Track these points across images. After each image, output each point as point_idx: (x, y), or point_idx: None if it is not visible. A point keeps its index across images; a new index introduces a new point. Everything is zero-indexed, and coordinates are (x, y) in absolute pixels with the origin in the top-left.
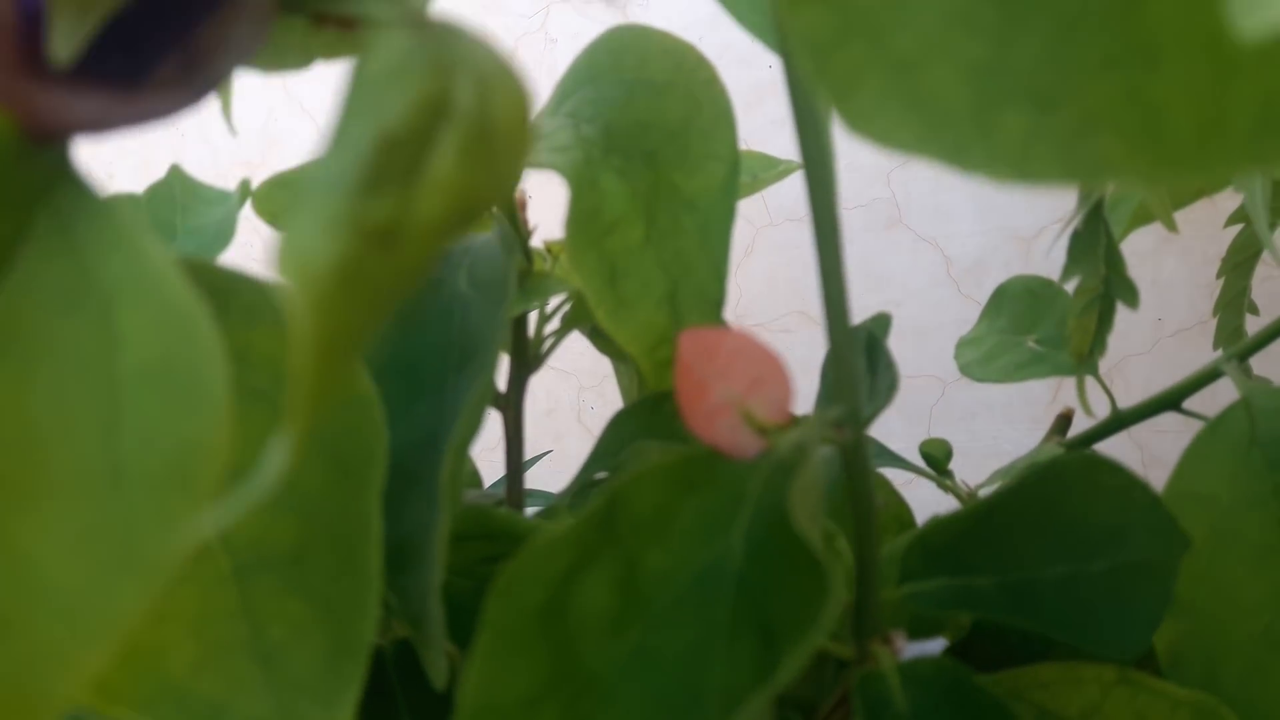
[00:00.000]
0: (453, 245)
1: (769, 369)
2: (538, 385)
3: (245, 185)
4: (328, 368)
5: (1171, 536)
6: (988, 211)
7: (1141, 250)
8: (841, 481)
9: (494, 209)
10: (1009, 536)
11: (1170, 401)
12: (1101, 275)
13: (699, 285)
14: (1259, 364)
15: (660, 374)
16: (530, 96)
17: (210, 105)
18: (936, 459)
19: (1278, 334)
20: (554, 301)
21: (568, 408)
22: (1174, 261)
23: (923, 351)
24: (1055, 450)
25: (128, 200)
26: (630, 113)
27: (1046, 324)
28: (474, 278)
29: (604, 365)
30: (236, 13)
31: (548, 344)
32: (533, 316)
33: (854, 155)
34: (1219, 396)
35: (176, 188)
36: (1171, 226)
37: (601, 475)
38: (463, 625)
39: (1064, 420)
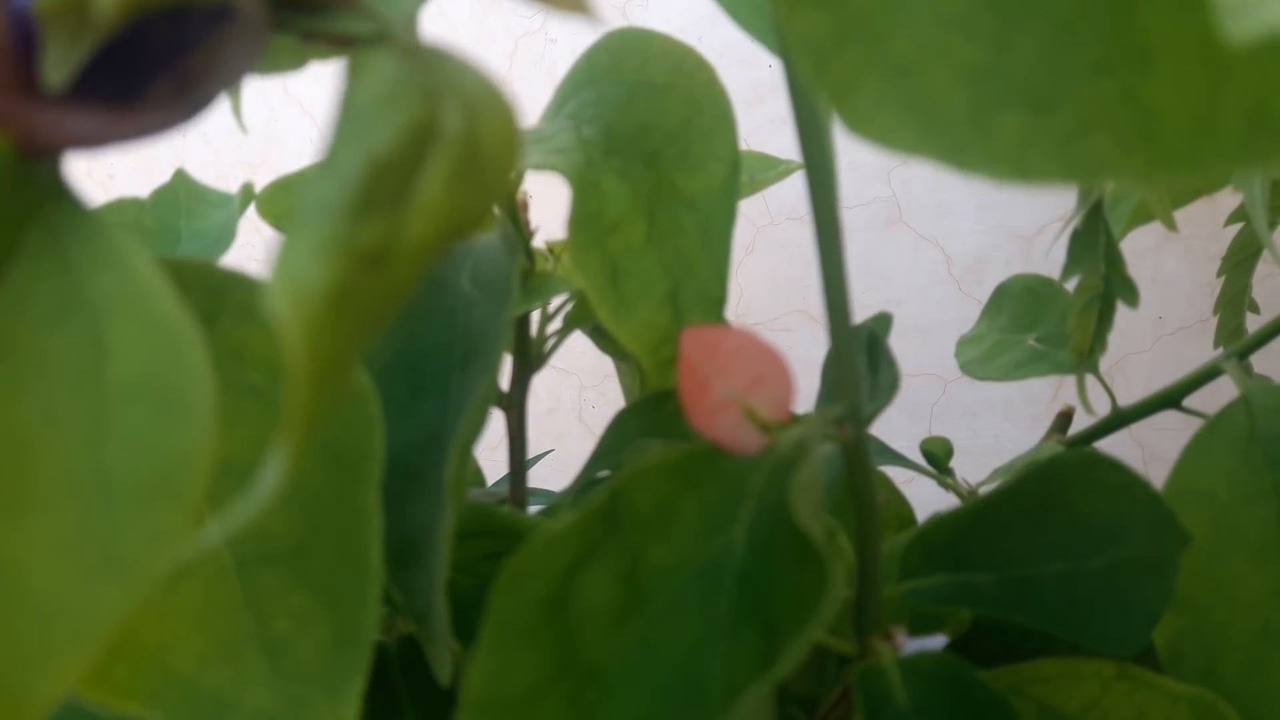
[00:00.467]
0: (453, 249)
1: (770, 367)
2: (539, 384)
3: (248, 189)
4: (321, 386)
5: (1171, 533)
6: (988, 210)
7: (1142, 248)
8: (843, 479)
9: (496, 210)
10: (1009, 533)
11: (1170, 399)
12: (1101, 274)
13: (700, 285)
14: (1259, 362)
15: (662, 373)
16: (517, 119)
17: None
18: (937, 457)
19: (1278, 332)
20: (556, 301)
21: (569, 407)
22: (1174, 260)
23: (923, 350)
24: (1056, 448)
25: (131, 205)
26: (631, 114)
27: (1047, 322)
28: (477, 278)
29: (605, 364)
30: (230, 34)
31: (550, 343)
32: (535, 316)
33: (854, 154)
34: (1219, 394)
35: (181, 191)
36: (1171, 225)
37: (604, 474)
38: (466, 622)
39: (1064, 418)
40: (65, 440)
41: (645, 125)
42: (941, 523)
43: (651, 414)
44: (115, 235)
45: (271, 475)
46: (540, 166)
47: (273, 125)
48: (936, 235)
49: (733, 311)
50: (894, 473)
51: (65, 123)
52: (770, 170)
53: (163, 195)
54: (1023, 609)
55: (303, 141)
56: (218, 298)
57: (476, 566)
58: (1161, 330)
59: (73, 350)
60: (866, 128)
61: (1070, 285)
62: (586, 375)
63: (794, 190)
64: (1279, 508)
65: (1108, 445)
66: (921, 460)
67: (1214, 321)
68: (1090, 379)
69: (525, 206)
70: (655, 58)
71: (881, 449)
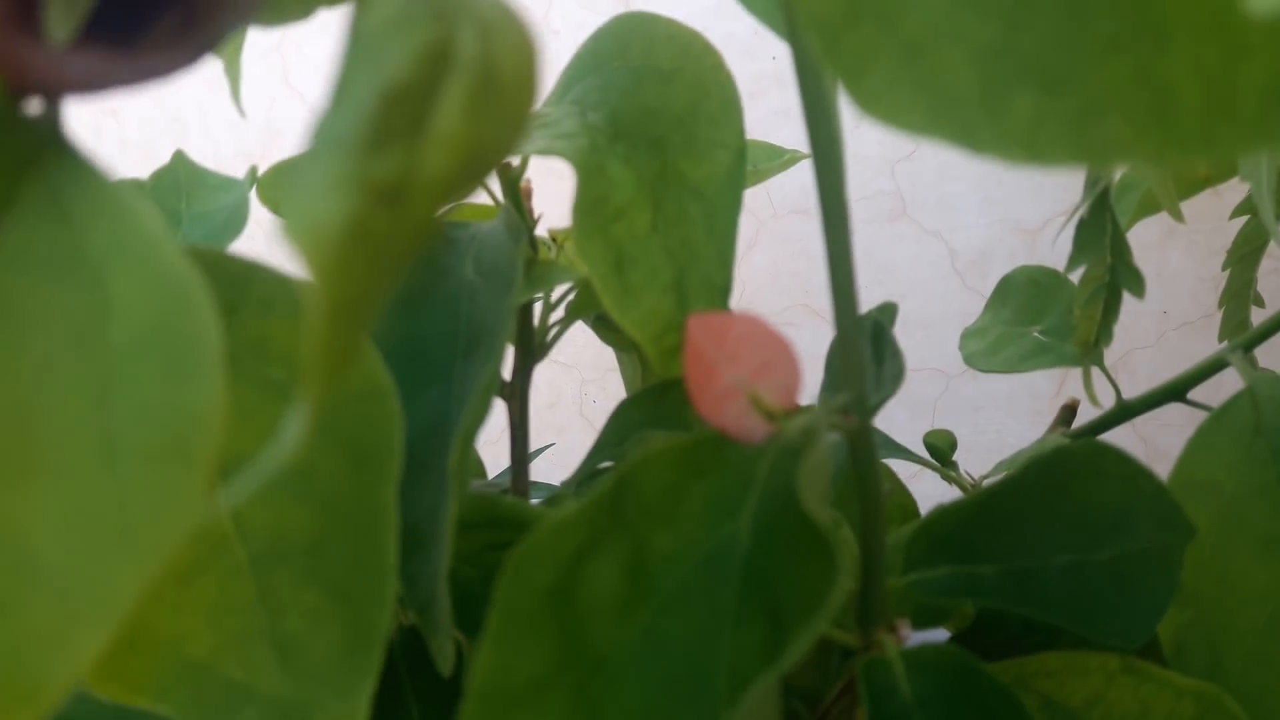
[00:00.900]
0: (459, 231)
1: (777, 353)
2: (540, 378)
3: (254, 171)
4: (340, 331)
5: (1177, 525)
6: (993, 203)
7: (1146, 243)
8: (846, 470)
9: (500, 197)
10: (1014, 525)
11: (1175, 392)
12: (1107, 264)
13: (705, 273)
14: (1264, 355)
15: (666, 362)
16: (536, 42)
17: (213, 96)
18: (941, 450)
19: None
20: (558, 291)
21: (570, 401)
22: (1179, 254)
23: (927, 344)
24: (1061, 440)
25: (130, 185)
26: (637, 99)
27: (1052, 315)
28: (480, 265)
29: (607, 358)
30: None
31: (553, 333)
32: (537, 306)
33: (858, 147)
34: (1224, 388)
35: (181, 174)
36: (1178, 216)
37: (606, 465)
38: (469, 613)
39: (1069, 411)
40: (69, 402)
41: (651, 110)
42: (946, 514)
43: (654, 405)
44: (117, 187)
45: (288, 440)
46: (544, 152)
47: (273, 117)
48: (941, 229)
49: (735, 306)
50: (897, 468)
51: (65, 63)
52: (774, 160)
53: (162, 178)
54: (1027, 601)
55: (300, 131)
56: (239, 289)
57: (480, 557)
58: (1166, 325)
59: (74, 306)
60: (877, 108)
61: (1076, 276)
62: (588, 369)
63: (798, 184)
64: None
65: (1112, 440)
66: (925, 455)
67: (1219, 316)
68: (1095, 372)
69: (528, 194)
70: (662, 43)
71: (885, 441)
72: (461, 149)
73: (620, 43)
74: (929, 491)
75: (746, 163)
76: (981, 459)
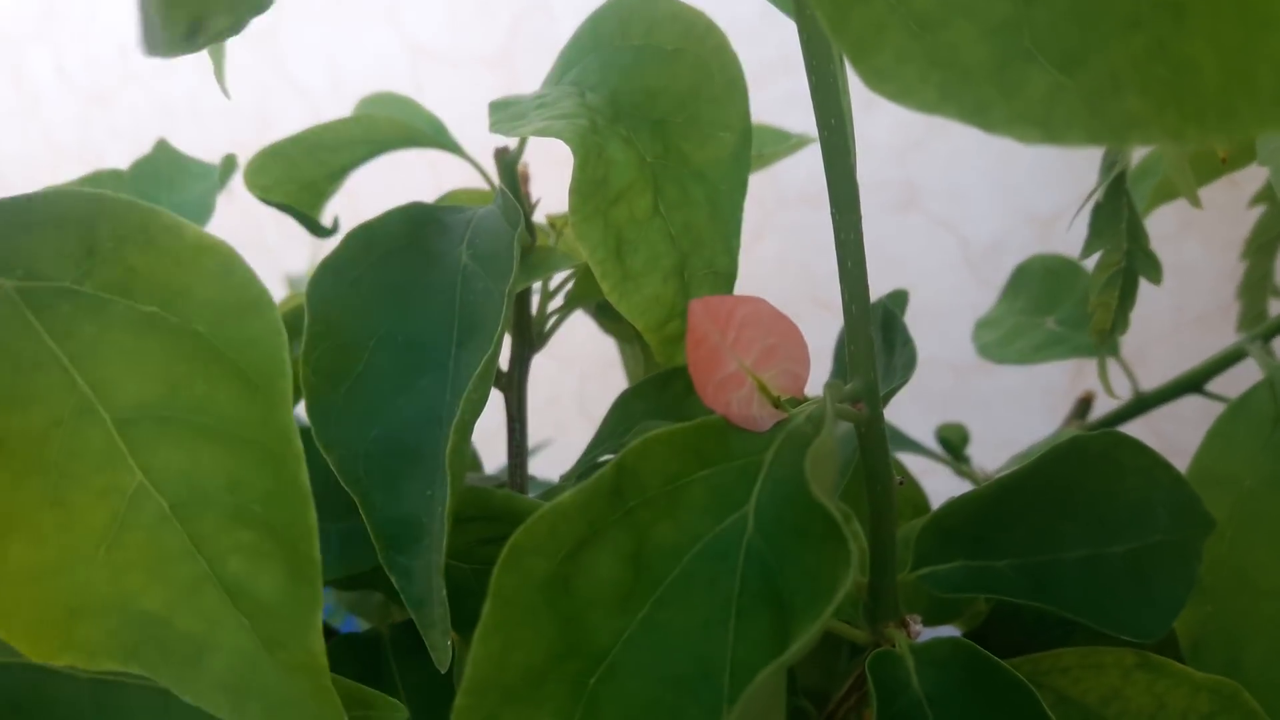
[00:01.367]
0: (454, 215)
1: (784, 336)
2: (538, 373)
3: (229, 159)
4: None
5: (1195, 517)
6: (1005, 193)
7: (1162, 234)
8: (856, 463)
9: (496, 180)
10: (1028, 517)
11: (1192, 383)
12: (1124, 249)
13: (709, 258)
14: None
15: (669, 350)
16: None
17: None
18: (953, 444)
19: None
20: (557, 279)
21: (570, 397)
22: (1195, 246)
23: (937, 338)
24: (1076, 432)
25: (109, 177)
26: (638, 80)
27: (1067, 305)
28: (476, 250)
29: (607, 353)
30: None
31: (551, 322)
32: (536, 295)
33: (867, 134)
34: (1240, 381)
35: (162, 162)
36: (1196, 202)
37: (607, 457)
38: (463, 610)
39: (1084, 404)
40: None
41: (653, 91)
42: (958, 506)
43: (656, 395)
44: None
45: None
46: (542, 132)
47: (265, 104)
48: (951, 219)
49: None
50: (908, 465)
51: None
52: (780, 145)
53: (143, 167)
54: (1043, 596)
55: (295, 121)
56: (89, 227)
57: (473, 552)
58: (1182, 319)
59: None
60: (886, 86)
61: (1090, 264)
62: (588, 364)
63: (804, 173)
64: None
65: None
66: (936, 450)
67: (1236, 310)
68: (1111, 365)
69: (526, 178)
70: (663, 22)
71: (895, 435)
72: None
73: (621, 22)
74: (941, 489)
75: (752, 145)
76: (994, 455)
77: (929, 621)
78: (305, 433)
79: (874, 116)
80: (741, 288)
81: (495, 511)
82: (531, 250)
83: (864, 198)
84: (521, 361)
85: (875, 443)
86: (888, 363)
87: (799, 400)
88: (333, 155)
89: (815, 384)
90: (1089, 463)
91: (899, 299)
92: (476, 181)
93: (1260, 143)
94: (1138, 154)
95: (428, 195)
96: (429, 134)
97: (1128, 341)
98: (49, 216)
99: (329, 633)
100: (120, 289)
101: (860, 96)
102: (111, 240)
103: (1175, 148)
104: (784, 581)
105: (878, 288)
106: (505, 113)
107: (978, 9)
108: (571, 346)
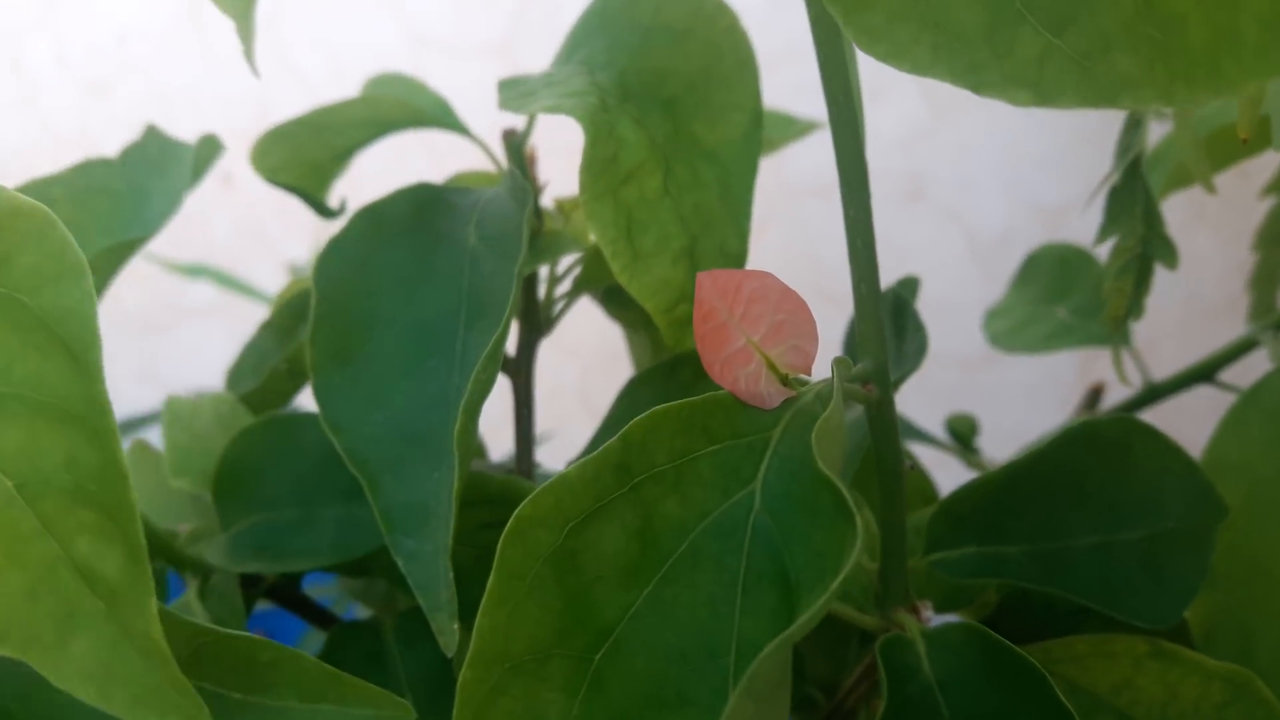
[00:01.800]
0: (461, 196)
1: (793, 311)
2: (541, 366)
3: (209, 140)
4: None
5: (1209, 504)
6: (1014, 184)
7: (1173, 226)
8: (865, 451)
9: (503, 161)
10: (1040, 503)
11: (1204, 373)
12: (1139, 235)
13: (720, 240)
14: None
15: (678, 333)
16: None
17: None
18: (962, 434)
19: None
20: (564, 265)
21: (573, 390)
22: (1206, 239)
23: (946, 330)
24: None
25: (99, 166)
26: (647, 60)
27: (1078, 294)
28: (483, 231)
29: (611, 345)
30: None
31: (559, 306)
32: (543, 281)
33: (874, 124)
34: (1252, 372)
35: (153, 149)
36: (1210, 186)
37: None
38: (464, 596)
39: (1094, 394)
40: None
41: (663, 71)
42: (969, 492)
43: (663, 382)
44: None
45: None
46: (552, 109)
47: (265, 93)
48: (959, 211)
49: None
50: (918, 457)
51: None
52: (787, 130)
53: (133, 153)
54: (1054, 581)
55: (295, 110)
56: None
57: (475, 537)
58: (1192, 311)
59: None
60: (878, 46)
61: (1102, 253)
62: (591, 356)
63: (811, 163)
64: None
65: None
66: (945, 440)
67: (1246, 302)
68: (1124, 355)
69: (533, 161)
70: (672, 2)
71: (904, 424)
72: None
73: (629, 2)
74: (951, 483)
75: (763, 127)
76: (1002, 448)
77: (939, 611)
78: (313, 415)
79: (881, 108)
80: None
81: (494, 495)
82: (539, 234)
83: (871, 188)
84: (529, 347)
85: (885, 425)
86: (898, 349)
87: (806, 379)
88: (338, 136)
89: (822, 373)
90: (1101, 448)
91: (910, 285)
92: (479, 165)
93: (1276, 129)
94: (1151, 141)
95: (428, 179)
96: (434, 114)
97: (1138, 334)
98: None
99: (329, 619)
100: None
101: (868, 87)
102: None
103: (1163, 106)
104: (790, 558)
105: (884, 279)
106: (514, 90)
107: None
108: (574, 338)
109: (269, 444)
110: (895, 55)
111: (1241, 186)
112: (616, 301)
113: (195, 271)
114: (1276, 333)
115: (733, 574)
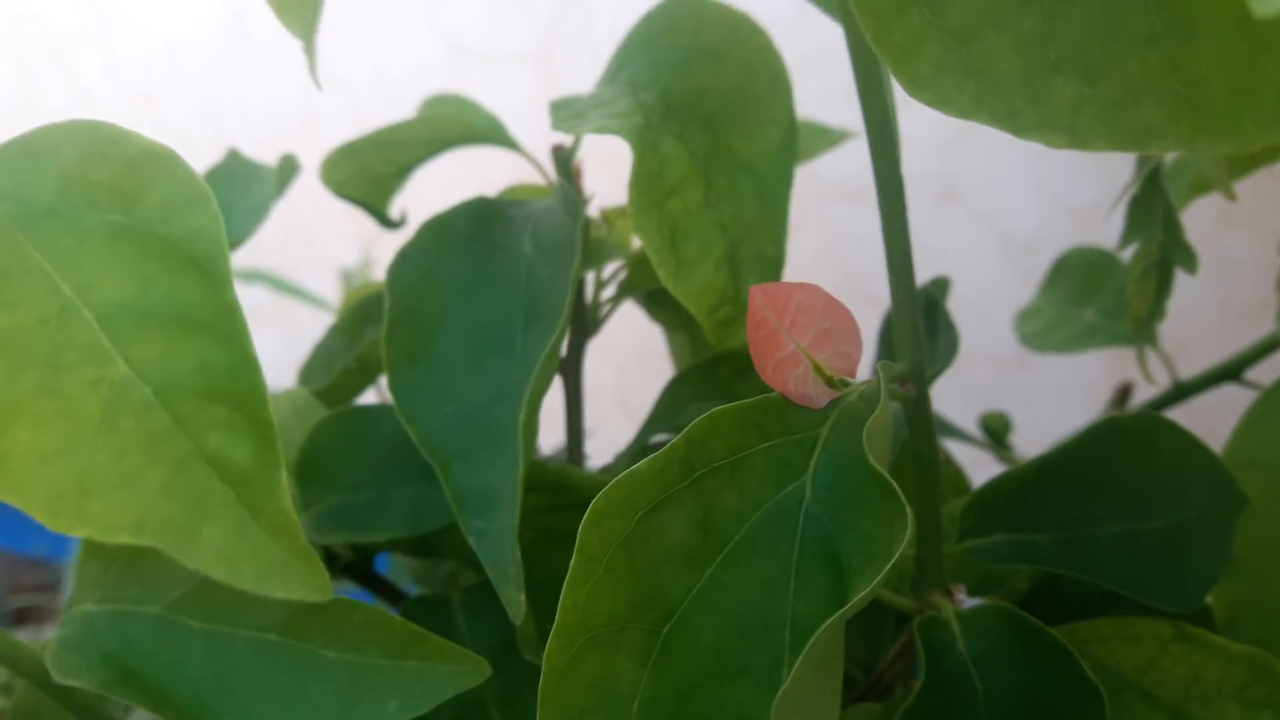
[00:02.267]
0: (516, 209)
1: (837, 320)
2: None
3: (289, 160)
4: None
5: (1230, 495)
6: (1045, 187)
7: (1203, 230)
8: (902, 445)
9: (554, 175)
10: (1068, 494)
11: (1231, 372)
12: (1159, 241)
13: (758, 246)
14: None
15: (720, 334)
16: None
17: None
18: (996, 431)
19: None
20: (609, 270)
21: (609, 389)
22: (1237, 242)
23: (978, 331)
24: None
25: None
26: (687, 79)
27: (1105, 295)
28: (538, 240)
29: (648, 345)
30: None
31: (604, 310)
32: (589, 285)
33: (907, 128)
34: (1278, 370)
35: (235, 170)
36: (1230, 195)
37: (661, 437)
38: (527, 573)
39: (1123, 393)
40: None
41: (702, 90)
42: (1000, 483)
43: (704, 380)
44: None
45: None
46: (600, 130)
47: (309, 101)
48: (991, 213)
49: None
50: (953, 454)
51: None
52: (821, 139)
53: (216, 174)
54: (1081, 567)
55: (340, 117)
56: (58, 154)
57: (534, 519)
58: (1225, 312)
59: None
60: (925, 93)
61: (1128, 255)
62: (627, 357)
63: (843, 167)
64: None
65: None
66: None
67: (1277, 302)
68: (1151, 354)
69: (579, 174)
70: (710, 24)
71: (939, 422)
72: None
73: (670, 24)
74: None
75: (797, 139)
76: (1035, 448)
77: (971, 595)
78: (386, 407)
79: (914, 112)
80: (784, 279)
81: (552, 483)
82: (586, 242)
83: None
84: (578, 347)
85: (922, 420)
86: (931, 348)
87: (850, 380)
88: (401, 153)
89: (861, 372)
90: (1126, 443)
91: (941, 286)
92: (518, 178)
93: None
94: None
95: (467, 192)
96: (487, 132)
97: (1171, 334)
98: (28, 152)
99: (398, 596)
100: (89, 204)
101: (901, 92)
102: (77, 161)
103: (1190, 152)
104: (840, 545)
105: (918, 281)
106: (565, 112)
107: (1009, 23)
108: (611, 340)
109: (347, 433)
110: (941, 101)
111: (1273, 189)
112: (659, 304)
113: (252, 276)
114: None
115: (786, 558)
